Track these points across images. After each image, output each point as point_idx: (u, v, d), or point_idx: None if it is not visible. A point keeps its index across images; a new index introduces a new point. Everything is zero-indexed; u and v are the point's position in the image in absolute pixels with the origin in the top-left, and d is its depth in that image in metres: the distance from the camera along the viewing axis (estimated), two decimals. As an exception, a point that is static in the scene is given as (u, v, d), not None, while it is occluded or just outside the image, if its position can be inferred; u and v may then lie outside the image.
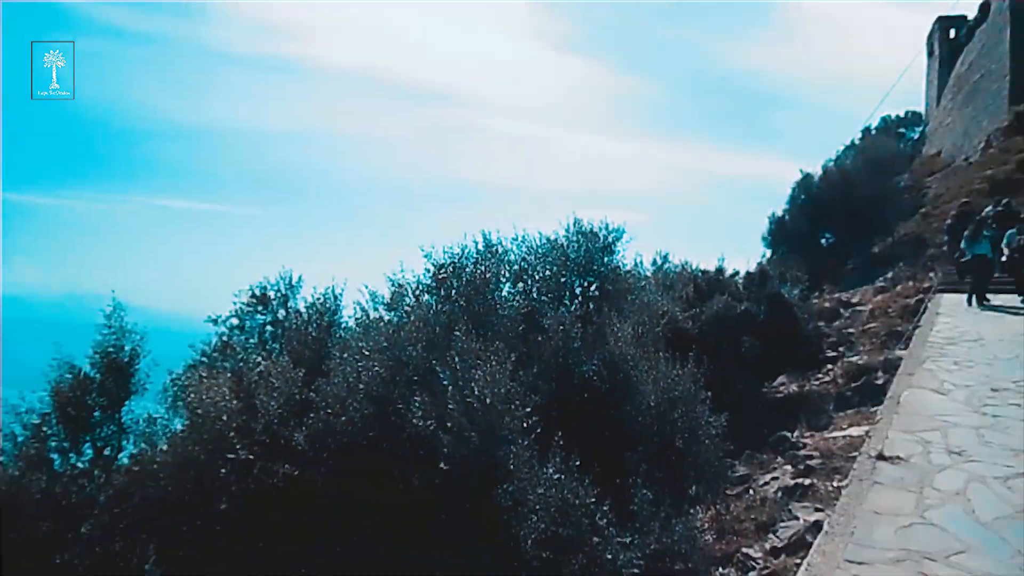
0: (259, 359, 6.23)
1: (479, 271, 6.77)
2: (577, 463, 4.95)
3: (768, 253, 28.24)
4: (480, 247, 7.16)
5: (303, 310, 7.19)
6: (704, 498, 6.66)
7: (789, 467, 7.53)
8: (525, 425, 5.17)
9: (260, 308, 7.50)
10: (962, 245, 14.91)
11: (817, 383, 13.91)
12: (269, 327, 7.51)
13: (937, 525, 4.42)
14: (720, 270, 16.03)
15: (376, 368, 5.62)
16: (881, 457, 5.49)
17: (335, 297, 7.20)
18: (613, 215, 12.08)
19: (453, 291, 6.70)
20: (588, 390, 6.32)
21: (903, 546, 4.16)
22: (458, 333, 5.59)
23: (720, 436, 6.50)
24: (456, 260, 6.87)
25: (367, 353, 5.75)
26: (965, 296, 14.01)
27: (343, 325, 7.08)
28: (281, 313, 7.52)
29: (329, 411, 5.48)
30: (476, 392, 5.05)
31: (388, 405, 5.49)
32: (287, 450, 5.49)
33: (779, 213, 27.90)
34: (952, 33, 40.92)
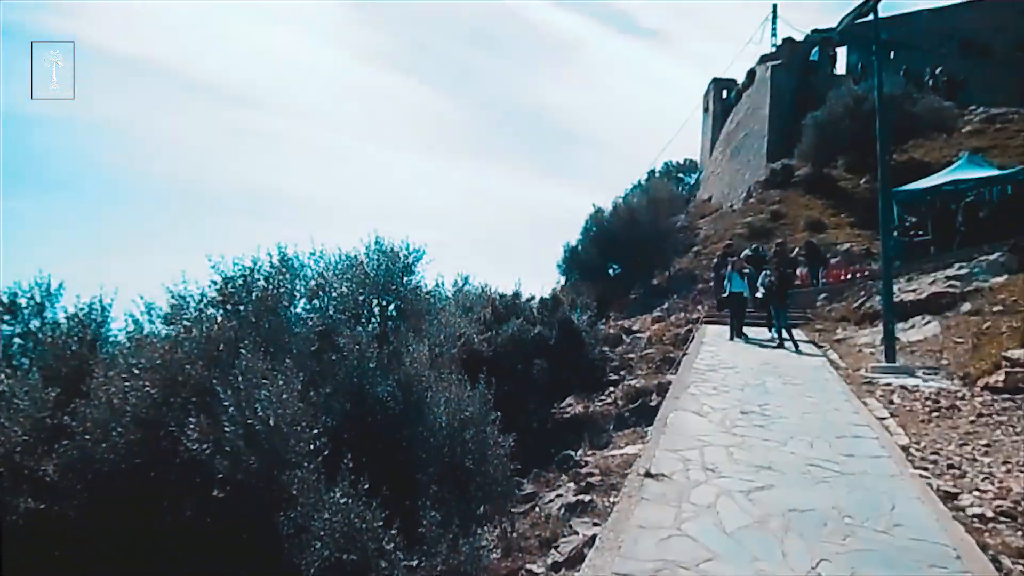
0: (1, 376, 5.43)
1: (272, 286, 6.44)
2: (366, 486, 4.85)
3: (562, 280, 29.70)
4: (275, 261, 6.80)
5: (62, 321, 6.38)
6: (492, 517, 6.80)
7: (572, 484, 7.87)
8: (312, 447, 4.98)
9: (7, 318, 6.55)
10: (724, 283, 16.65)
11: (601, 404, 14.77)
12: (18, 340, 6.57)
13: (691, 536, 4.88)
14: (517, 294, 16.53)
15: (147, 388, 5.13)
16: (648, 475, 5.95)
17: (103, 308, 6.45)
18: (417, 234, 12.08)
19: (242, 306, 6.29)
20: (382, 411, 6.23)
21: (662, 557, 4.54)
22: (244, 351, 5.26)
23: (508, 456, 6.69)
24: (247, 273, 6.47)
25: (138, 371, 5.23)
26: (727, 328, 15.65)
27: (111, 340, 6.37)
28: (34, 324, 6.61)
29: (88, 437, 4.89)
30: (260, 413, 4.78)
31: (160, 429, 5.03)
32: (32, 482, 4.83)
33: (573, 243, 29.43)
34: (724, 94, 46.05)
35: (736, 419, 7.96)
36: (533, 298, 17.43)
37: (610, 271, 30.31)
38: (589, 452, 9.01)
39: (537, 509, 7.57)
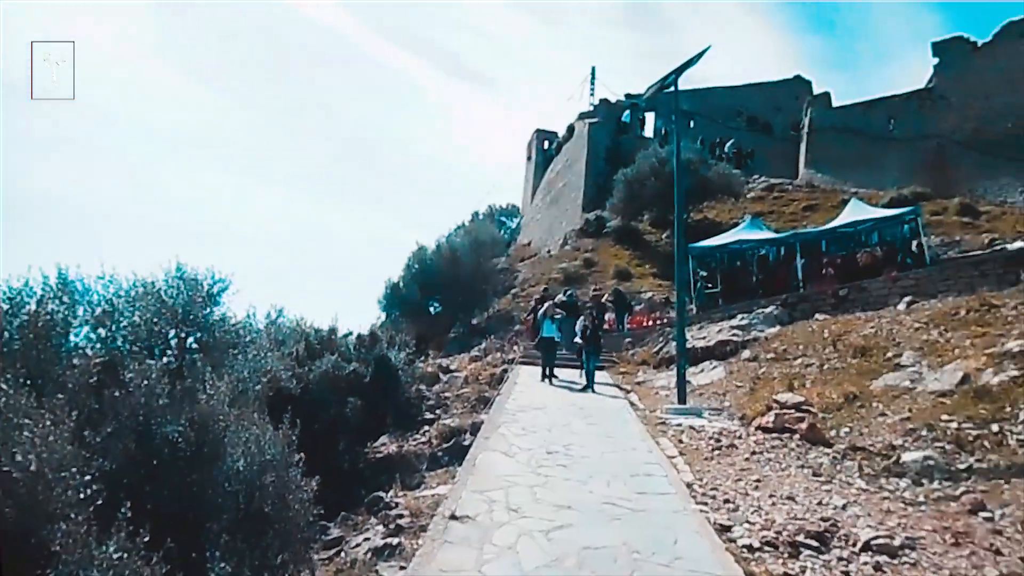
0: None
1: (44, 311, 5.74)
2: (147, 538, 4.41)
3: (383, 316, 29.33)
4: (52, 282, 6.10)
5: None
6: (290, 566, 6.45)
7: (381, 527, 7.67)
8: (84, 495, 4.45)
9: None
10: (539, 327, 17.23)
11: (415, 444, 14.62)
12: None
13: (489, 578, 4.91)
14: (333, 329, 16.04)
15: None
16: (453, 517, 5.95)
17: None
18: (232, 261, 11.41)
19: (6, 333, 5.55)
20: (171, 453, 5.73)
21: (461, 600, 4.53)
22: (4, 386, 4.63)
23: (311, 500, 6.40)
24: (15, 295, 5.74)
25: None
26: (539, 369, 16.18)
27: None
28: None
29: None
30: (20, 459, 4.21)
31: None
32: None
33: (395, 280, 29.26)
34: (546, 144, 48.37)
35: (542, 459, 8.20)
36: (351, 334, 17.00)
37: (431, 309, 30.36)
38: (400, 493, 8.84)
39: (343, 554, 7.29)
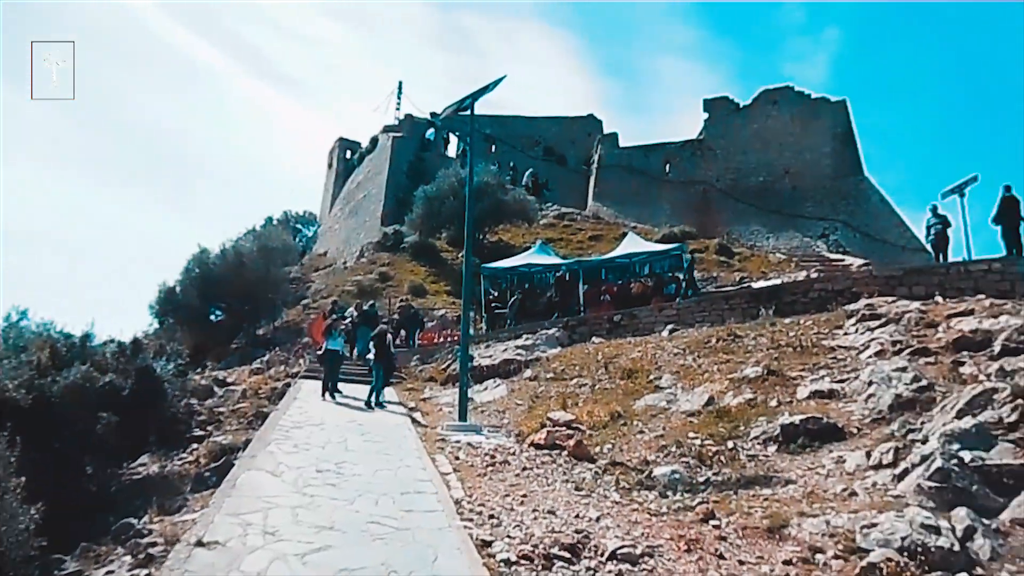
0: None
1: None
2: None
3: (155, 323, 26.90)
4: None
5: None
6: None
7: (129, 557, 6.89)
8: None
9: None
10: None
11: (180, 463, 13.48)
12: None
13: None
14: (88, 336, 14.41)
15: None
16: (199, 543, 5.51)
17: None
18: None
19: None
20: None
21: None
22: None
23: (32, 530, 5.62)
24: None
25: None
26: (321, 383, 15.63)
27: None
28: None
29: None
30: None
31: None
32: None
33: (171, 284, 26.99)
34: (348, 154, 47.46)
35: (311, 478, 7.88)
36: (111, 341, 15.38)
37: (212, 317, 28.46)
38: (156, 518, 8.03)
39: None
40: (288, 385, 16.42)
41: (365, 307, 20.41)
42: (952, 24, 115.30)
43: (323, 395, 14.53)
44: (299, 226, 50.00)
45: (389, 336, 15.78)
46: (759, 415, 9.86)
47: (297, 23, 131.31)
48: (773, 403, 10.25)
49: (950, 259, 17.00)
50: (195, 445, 13.98)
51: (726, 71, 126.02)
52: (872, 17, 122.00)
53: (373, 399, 14.08)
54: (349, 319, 18.98)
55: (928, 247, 19.87)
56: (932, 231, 17.79)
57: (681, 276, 21.26)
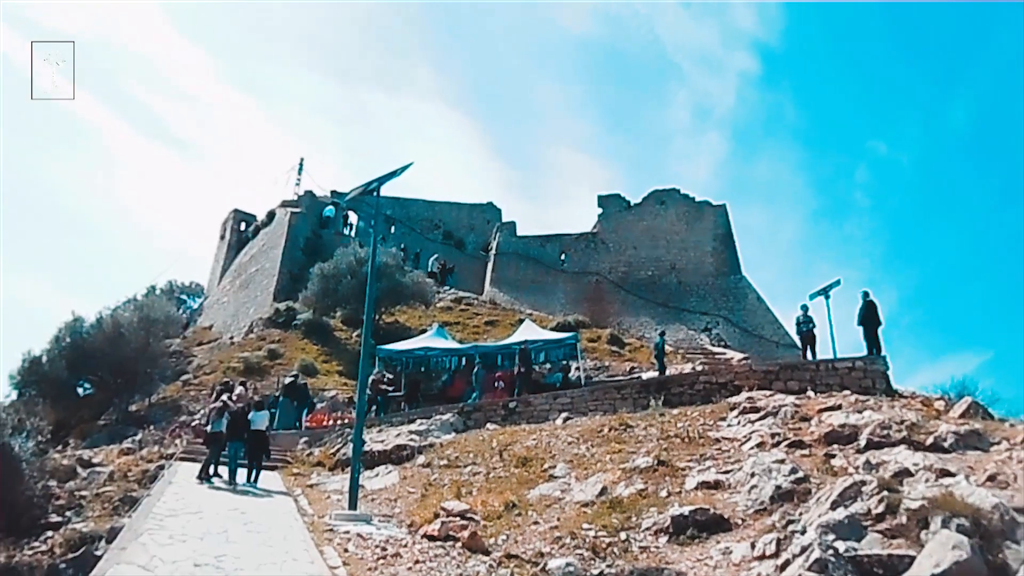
0: None
1: None
2: None
3: (14, 395, 24.73)
4: None
5: None
6: None
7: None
8: None
9: None
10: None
11: (31, 553, 12.28)
12: None
13: None
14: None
15: None
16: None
17: None
18: None
19: None
20: None
21: None
22: None
23: None
24: None
25: None
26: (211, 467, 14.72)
27: None
28: None
29: None
30: None
31: None
32: None
33: (37, 353, 25.02)
34: (243, 226, 46.31)
35: (188, 573, 7.32)
36: (-40, 414, 14.02)
37: (80, 390, 26.57)
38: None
39: None
40: (162, 467, 15.36)
41: (290, 379, 19.97)
42: (824, 131, 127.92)
43: (200, 477, 13.69)
44: (184, 297, 47.87)
45: (266, 420, 15.14)
46: (650, 505, 10.06)
47: (192, 86, 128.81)
48: (663, 493, 10.51)
49: (818, 355, 18.37)
50: (50, 533, 12.77)
51: (619, 166, 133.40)
52: (747, 126, 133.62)
53: (246, 479, 13.66)
54: (236, 398, 18.14)
55: (798, 343, 21.39)
56: (802, 328, 19.29)
57: (575, 365, 21.76)
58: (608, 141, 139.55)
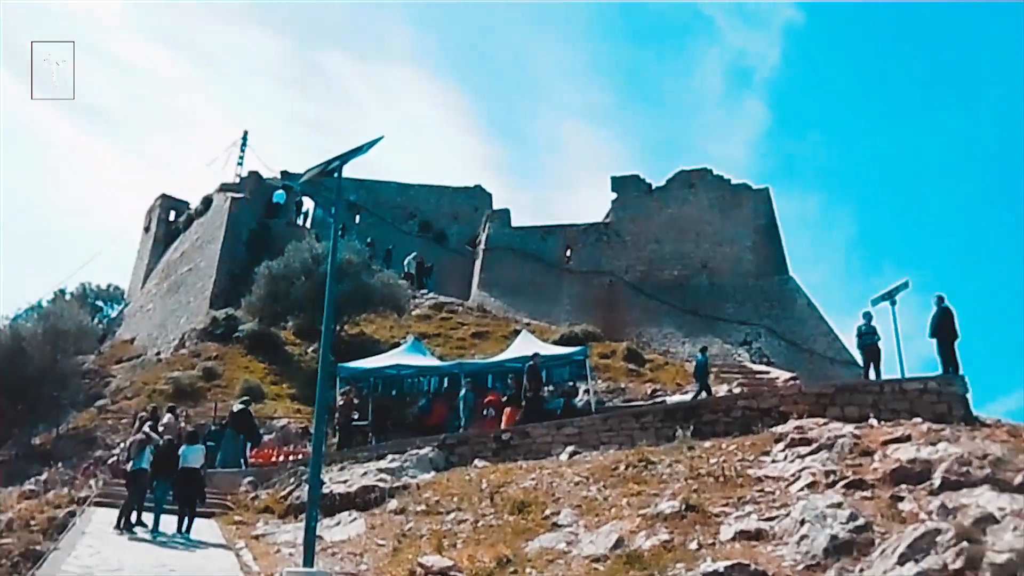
0: None
1: None
2: None
3: None
4: None
5: None
6: None
7: None
8: None
9: None
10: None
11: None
12: None
13: None
14: None
15: None
16: None
17: None
18: None
19: None
20: None
21: None
22: None
23: None
24: None
25: None
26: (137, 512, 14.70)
27: None
28: None
29: None
30: None
31: None
32: None
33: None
34: (173, 215, 46.31)
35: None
36: None
37: (-33, 421, 26.47)
38: None
39: None
40: (73, 514, 15.36)
41: (239, 405, 20.35)
42: (892, 104, 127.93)
43: (119, 526, 13.74)
44: (100, 303, 47.91)
45: (201, 456, 15.14)
46: (677, 560, 10.10)
47: (112, 43, 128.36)
48: (693, 545, 10.55)
49: (883, 375, 18.42)
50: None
51: (636, 142, 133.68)
52: (794, 92, 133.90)
53: (176, 529, 13.77)
54: (163, 428, 18.14)
55: (858, 358, 21.45)
56: (864, 340, 19.28)
57: (583, 387, 21.81)
58: (623, 112, 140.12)
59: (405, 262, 38.30)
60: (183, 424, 19.75)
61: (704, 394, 21.27)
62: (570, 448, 16.74)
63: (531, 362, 20.57)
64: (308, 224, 42.75)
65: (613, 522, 11.80)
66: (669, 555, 10.37)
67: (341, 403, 21.41)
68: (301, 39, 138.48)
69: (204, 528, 14.47)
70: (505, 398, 21.06)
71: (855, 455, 12.90)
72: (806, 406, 16.12)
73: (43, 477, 19.68)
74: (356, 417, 21.87)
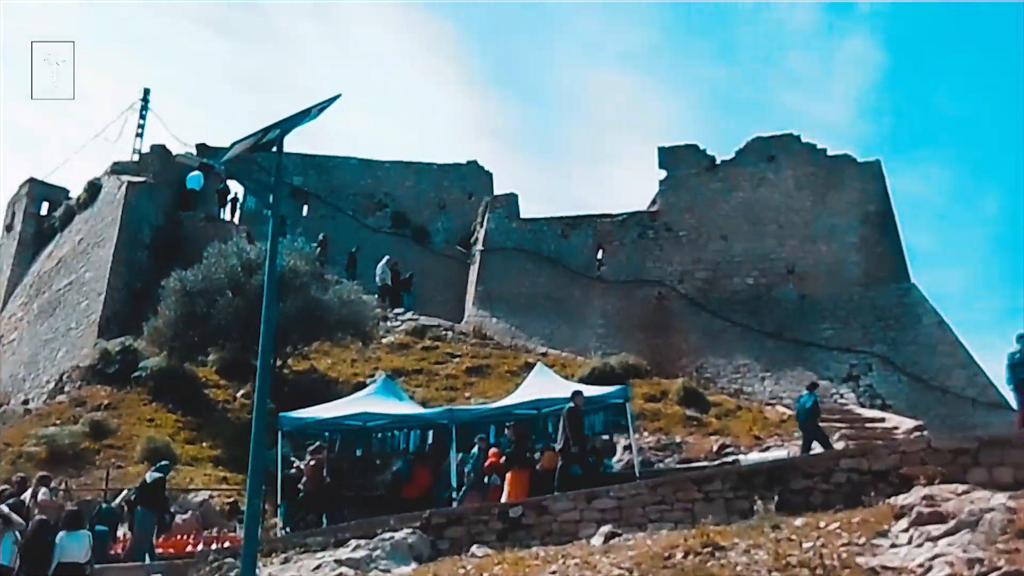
0: None
1: None
2: None
3: None
4: None
5: None
6: None
7: None
8: None
9: None
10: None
11: None
12: None
13: None
14: None
15: None
16: None
17: None
18: None
19: None
20: None
21: None
22: None
23: None
24: None
25: None
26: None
27: None
28: None
29: None
30: None
31: None
32: None
33: None
34: (46, 208, 45.97)
35: None
36: None
37: None
38: None
39: None
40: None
41: (155, 475, 20.44)
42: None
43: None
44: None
45: (86, 546, 15.12)
46: None
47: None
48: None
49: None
50: None
51: (693, 97, 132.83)
52: (917, 28, 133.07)
53: None
54: (38, 506, 18.14)
55: (1011, 400, 21.27)
56: (1019, 373, 18.98)
57: (623, 442, 21.67)
58: (674, 56, 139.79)
59: (378, 270, 37.90)
60: (63, 502, 19.69)
61: (818, 446, 21.14)
62: (606, 528, 16.63)
63: (571, 403, 20.17)
64: (236, 218, 42.66)
65: (669, 636, 11.71)
66: None
67: (311, 465, 21.11)
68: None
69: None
70: (503, 457, 20.83)
71: (1010, 536, 12.78)
72: (938, 467, 15.99)
73: None
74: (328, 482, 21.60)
